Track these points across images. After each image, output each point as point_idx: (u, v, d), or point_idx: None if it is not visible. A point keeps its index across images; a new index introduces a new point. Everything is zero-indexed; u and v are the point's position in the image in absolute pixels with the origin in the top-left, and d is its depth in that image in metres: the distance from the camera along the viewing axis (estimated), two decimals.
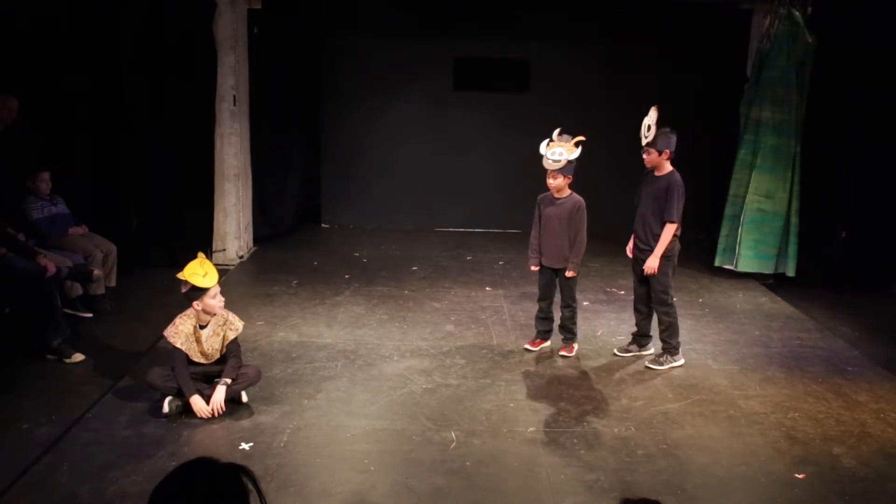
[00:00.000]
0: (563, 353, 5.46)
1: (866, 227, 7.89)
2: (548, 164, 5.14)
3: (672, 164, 5.17)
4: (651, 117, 5.07)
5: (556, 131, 5.18)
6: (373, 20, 9.23)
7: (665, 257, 5.13)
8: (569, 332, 5.50)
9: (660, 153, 5.08)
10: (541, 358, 5.43)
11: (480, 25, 9.13)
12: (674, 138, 5.08)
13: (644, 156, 5.16)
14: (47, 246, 5.73)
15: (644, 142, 5.11)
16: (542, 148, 5.17)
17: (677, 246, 5.23)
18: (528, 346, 5.57)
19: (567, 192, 5.28)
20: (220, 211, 7.77)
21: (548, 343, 5.59)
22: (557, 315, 5.55)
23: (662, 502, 1.73)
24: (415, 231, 9.48)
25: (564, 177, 5.19)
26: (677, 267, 5.39)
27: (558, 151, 5.11)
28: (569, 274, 5.32)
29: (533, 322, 5.66)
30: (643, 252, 5.24)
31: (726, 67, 8.66)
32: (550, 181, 5.22)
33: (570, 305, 5.43)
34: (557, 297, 5.50)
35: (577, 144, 5.11)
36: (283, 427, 4.24)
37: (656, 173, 5.19)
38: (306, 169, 9.59)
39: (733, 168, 7.56)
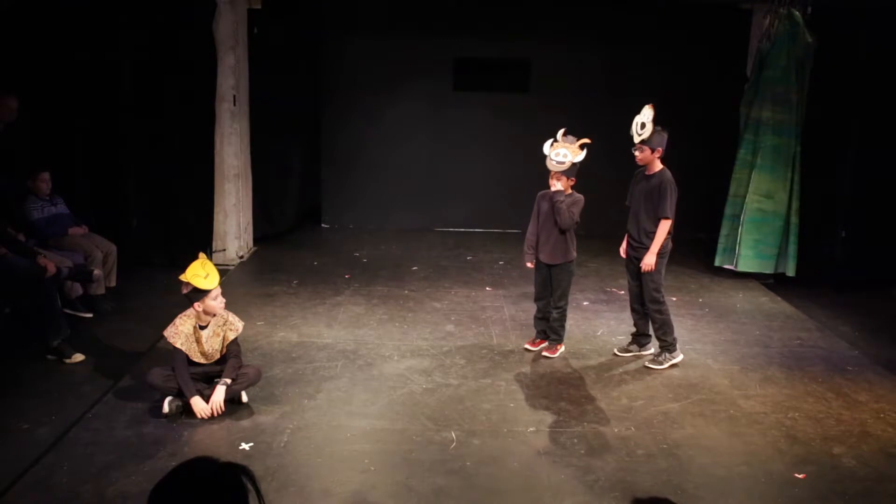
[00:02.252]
0: (546, 353, 5.44)
1: (866, 227, 7.89)
2: (551, 165, 5.09)
3: (663, 162, 5.15)
4: (646, 115, 5.02)
5: (561, 132, 5.13)
6: (373, 20, 9.23)
7: (658, 255, 5.14)
8: (555, 334, 5.47)
9: (653, 151, 5.06)
10: (541, 358, 5.42)
11: (480, 25, 9.13)
12: (665, 136, 5.08)
13: (636, 153, 5.13)
14: (47, 246, 5.73)
15: (637, 139, 5.06)
16: (546, 148, 5.11)
17: (670, 244, 5.22)
18: (528, 347, 5.57)
19: (568, 192, 5.27)
20: (220, 211, 7.78)
21: (547, 342, 5.58)
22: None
23: (671, 500, 1.73)
24: (415, 231, 9.48)
25: (567, 178, 5.16)
26: (670, 265, 5.39)
27: (563, 153, 5.04)
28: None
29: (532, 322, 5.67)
30: (637, 250, 5.24)
31: (726, 67, 8.66)
32: (553, 182, 5.18)
33: (559, 307, 5.41)
34: None
35: (581, 147, 5.05)
36: (283, 427, 4.24)
37: (647, 172, 5.18)
38: (306, 169, 9.60)
39: (733, 168, 7.56)
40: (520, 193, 8.09)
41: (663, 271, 5.26)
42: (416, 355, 5.40)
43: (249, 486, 1.53)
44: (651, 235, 5.14)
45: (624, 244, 5.42)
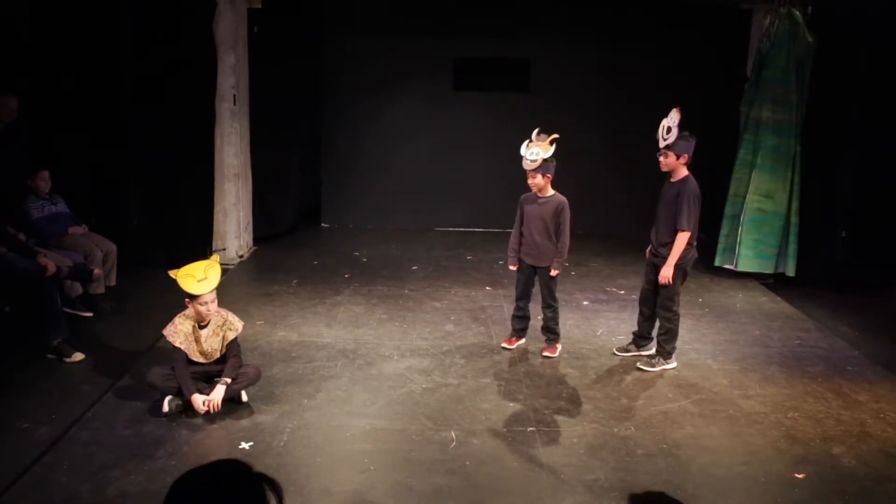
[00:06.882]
0: (546, 353, 5.44)
1: (866, 227, 7.89)
2: (526, 164, 5.15)
3: (689, 169, 5.05)
4: (672, 119, 4.91)
5: (535, 132, 5.18)
6: (373, 20, 9.24)
7: (677, 266, 5.04)
8: (552, 333, 5.48)
9: (678, 157, 4.96)
10: (540, 358, 5.42)
11: (480, 25, 9.13)
12: (693, 142, 4.97)
13: (660, 158, 5.02)
14: (47, 245, 5.73)
15: (662, 144, 4.97)
16: (523, 149, 5.18)
17: (692, 254, 5.10)
18: (504, 345, 5.57)
19: (550, 191, 5.28)
20: (220, 210, 7.78)
21: (523, 341, 5.61)
22: (533, 314, 5.58)
23: (666, 494, 1.73)
24: (415, 231, 9.48)
25: (543, 176, 5.18)
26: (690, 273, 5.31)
27: (535, 151, 5.11)
28: (553, 273, 5.31)
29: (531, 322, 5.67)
30: (656, 258, 5.18)
31: (726, 67, 8.66)
32: (530, 181, 5.23)
33: (551, 306, 5.42)
34: (535, 296, 5.51)
35: (551, 143, 5.09)
36: (283, 427, 4.24)
37: (672, 179, 5.08)
38: (306, 169, 9.60)
39: (733, 167, 7.55)
40: (519, 193, 8.05)
41: (681, 281, 5.16)
42: (415, 355, 5.40)
43: (275, 501, 1.51)
44: (667, 246, 5.04)
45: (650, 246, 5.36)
